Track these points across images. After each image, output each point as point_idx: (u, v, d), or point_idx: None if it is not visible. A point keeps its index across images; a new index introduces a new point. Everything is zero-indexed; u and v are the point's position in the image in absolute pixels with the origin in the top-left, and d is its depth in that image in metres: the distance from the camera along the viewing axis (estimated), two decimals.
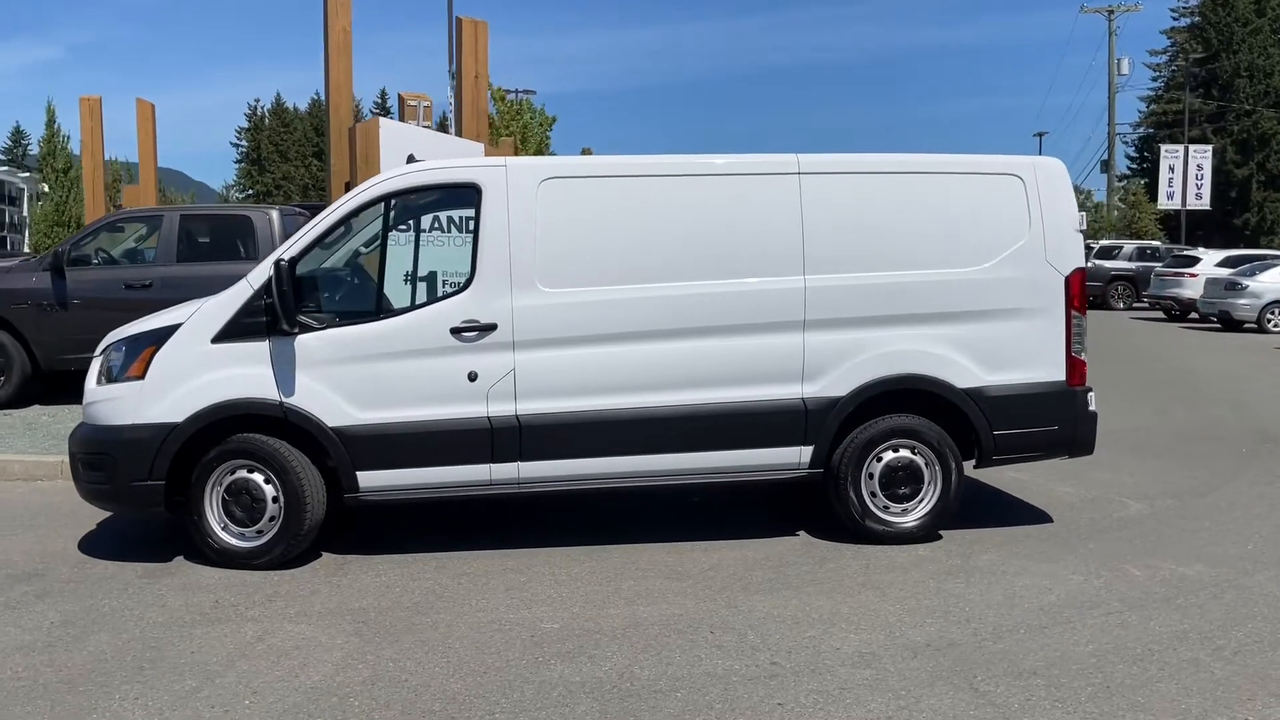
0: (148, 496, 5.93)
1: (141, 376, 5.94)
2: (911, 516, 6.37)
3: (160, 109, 16.93)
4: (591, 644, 4.76)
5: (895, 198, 6.34)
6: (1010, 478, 8.08)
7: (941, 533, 6.50)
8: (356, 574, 5.90)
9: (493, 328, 5.98)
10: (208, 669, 4.53)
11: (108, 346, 6.20)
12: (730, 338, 6.15)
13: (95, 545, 6.48)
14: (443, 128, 15.78)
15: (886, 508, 6.36)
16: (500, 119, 32.13)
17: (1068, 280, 6.40)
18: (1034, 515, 7.04)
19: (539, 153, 32.16)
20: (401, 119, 11.23)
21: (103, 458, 5.98)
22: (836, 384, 6.23)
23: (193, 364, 5.93)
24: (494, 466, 6.07)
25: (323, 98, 10.42)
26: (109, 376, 6.06)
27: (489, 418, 6.00)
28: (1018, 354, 6.39)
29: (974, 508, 7.34)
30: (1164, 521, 6.86)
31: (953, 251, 6.33)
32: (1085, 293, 6.50)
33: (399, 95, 11.24)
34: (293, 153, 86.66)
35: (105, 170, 20.34)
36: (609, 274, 6.10)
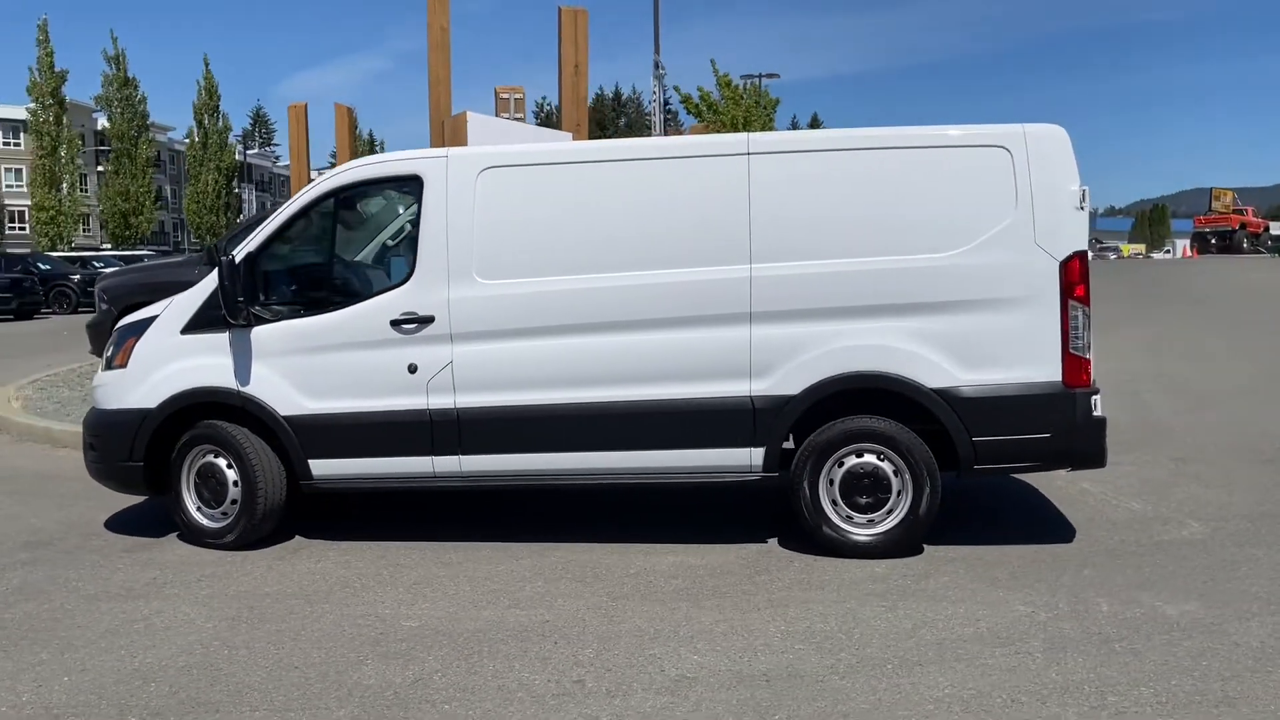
0: (130, 476, 6.38)
1: (125, 365, 6.39)
2: (878, 529, 5.77)
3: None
4: (423, 646, 4.64)
5: (858, 177, 5.73)
6: (1078, 487, 7.20)
7: (925, 546, 5.87)
8: (300, 559, 6.07)
9: (430, 320, 5.96)
10: (72, 643, 4.80)
11: (111, 337, 6.71)
12: (673, 331, 5.81)
13: (121, 518, 7.03)
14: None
15: (850, 518, 5.79)
16: (725, 104, 32.03)
17: (1063, 265, 5.56)
18: (1057, 532, 6.18)
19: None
20: (496, 112, 11.44)
21: (96, 439, 6.48)
22: (787, 381, 5.73)
23: (165, 353, 6.30)
24: (436, 459, 6.06)
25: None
26: (106, 365, 6.56)
27: (429, 410, 5.99)
28: (1001, 350, 5.63)
29: (998, 518, 6.63)
30: (1211, 549, 5.82)
31: (924, 235, 5.65)
32: (1086, 279, 5.61)
33: (495, 89, 11.48)
34: None
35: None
36: (547, 265, 5.91)
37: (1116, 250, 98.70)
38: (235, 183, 59.34)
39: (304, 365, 6.12)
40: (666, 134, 24.43)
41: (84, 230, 59.36)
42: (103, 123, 55.96)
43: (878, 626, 4.77)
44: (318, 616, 5.09)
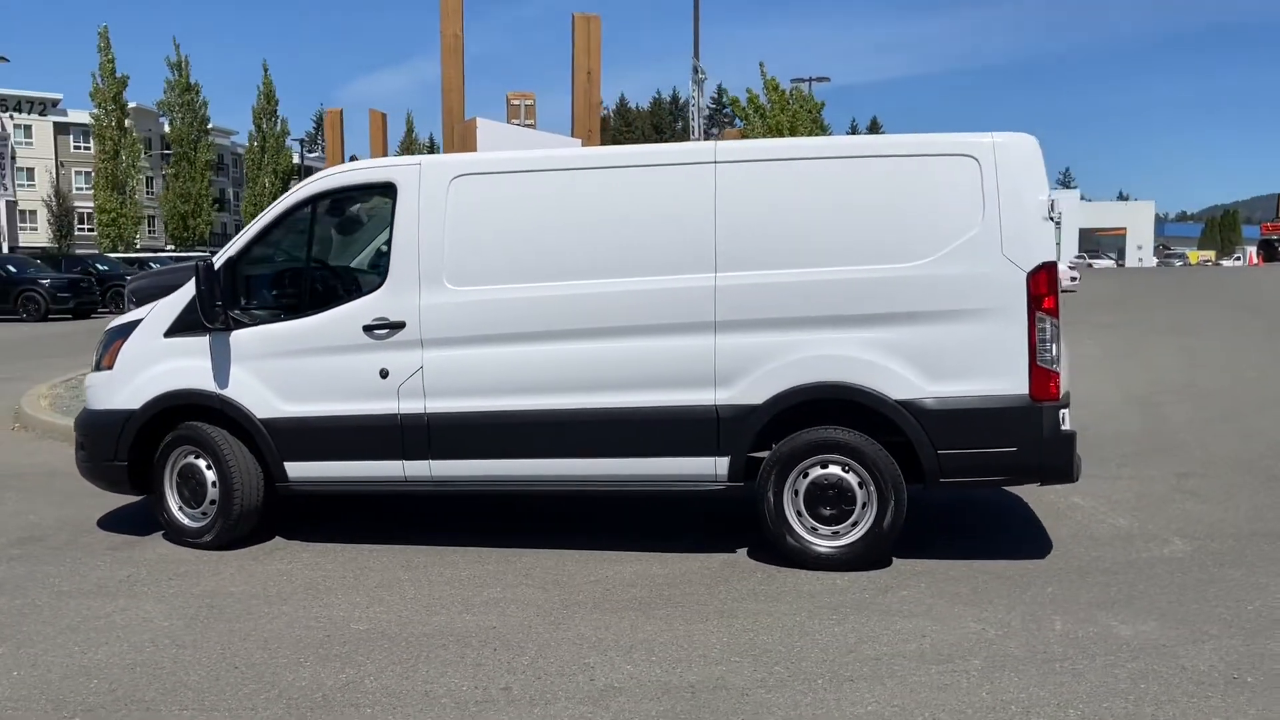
0: (115, 476, 6.53)
1: (111, 367, 6.54)
2: (842, 541, 5.70)
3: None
4: (364, 650, 4.69)
5: (824, 186, 5.67)
6: (1069, 501, 7.07)
7: (895, 559, 5.81)
8: (273, 559, 6.16)
9: (401, 325, 6.02)
10: (31, 638, 4.92)
11: (101, 339, 6.88)
12: (639, 339, 5.80)
13: (114, 516, 7.19)
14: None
15: (814, 529, 5.74)
16: (772, 108, 31.97)
17: (1030, 276, 5.46)
18: (1033, 548, 6.06)
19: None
20: (507, 118, 11.51)
21: (85, 439, 6.64)
22: (752, 391, 5.70)
23: (149, 356, 6.44)
24: (407, 464, 6.12)
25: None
26: (95, 366, 6.72)
27: (399, 415, 6.06)
28: (967, 362, 5.54)
29: (977, 532, 6.53)
30: (1187, 568, 5.67)
31: (889, 245, 5.58)
32: (1055, 291, 5.50)
33: (506, 95, 11.57)
34: None
35: None
36: (516, 272, 5.94)
37: (1183, 257, 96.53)
38: (293, 185, 60.36)
39: (280, 369, 6.21)
40: (710, 138, 24.38)
41: (149, 232, 60.83)
42: (167, 127, 57.41)
43: (821, 640, 4.72)
44: (273, 617, 5.16)
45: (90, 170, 65.32)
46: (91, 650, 4.76)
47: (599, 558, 6.04)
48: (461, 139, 10.20)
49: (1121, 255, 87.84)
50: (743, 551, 6.08)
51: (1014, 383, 5.48)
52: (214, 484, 6.33)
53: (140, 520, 6.94)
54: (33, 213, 76.49)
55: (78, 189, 69.39)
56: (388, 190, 6.14)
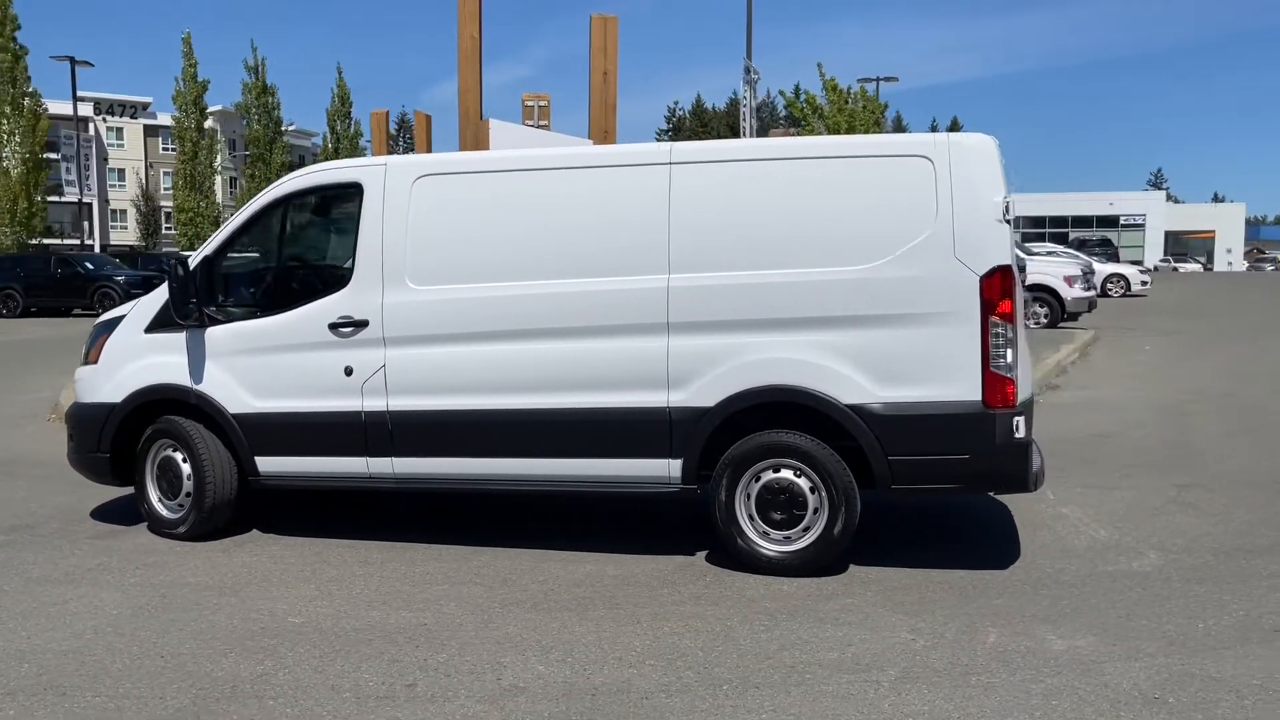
0: (99, 467, 6.74)
1: (96, 361, 6.75)
2: (793, 545, 5.62)
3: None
4: (290, 643, 4.76)
5: (777, 188, 5.61)
6: (1056, 511, 6.90)
7: (853, 565, 5.72)
8: (241, 552, 6.28)
9: (365, 324, 6.10)
10: None
11: (90, 333, 7.09)
12: (593, 340, 5.79)
13: (108, 506, 7.39)
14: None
15: (766, 534, 5.67)
16: (830, 108, 31.67)
17: (984, 280, 5.33)
18: (999, 558, 5.91)
19: None
20: (522, 119, 11.57)
21: (73, 430, 6.86)
22: (704, 393, 5.66)
23: (130, 351, 6.63)
24: (370, 460, 6.20)
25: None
26: (83, 360, 6.94)
27: (363, 412, 6.14)
28: (919, 367, 5.43)
29: (946, 540, 6.41)
30: (1151, 583, 5.47)
31: (843, 247, 5.49)
32: (1011, 295, 5.35)
33: (522, 96, 11.62)
34: None
35: None
36: (476, 271, 5.98)
37: (1276, 261, 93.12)
38: None
39: (252, 365, 6.34)
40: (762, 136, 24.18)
41: None
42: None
43: (743, 646, 4.66)
44: (218, 609, 5.27)
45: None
46: (36, 635, 4.91)
47: (557, 557, 6.05)
48: (475, 140, 10.30)
49: (1210, 259, 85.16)
50: (702, 555, 6.04)
51: (966, 389, 5.35)
52: (189, 477, 6.48)
53: (130, 511, 7.11)
54: (123, 212, 79.31)
55: (165, 189, 71.64)
56: (355, 190, 6.22)
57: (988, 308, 5.31)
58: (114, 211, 79.43)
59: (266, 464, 6.38)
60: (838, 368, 5.46)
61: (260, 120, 51.70)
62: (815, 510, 5.58)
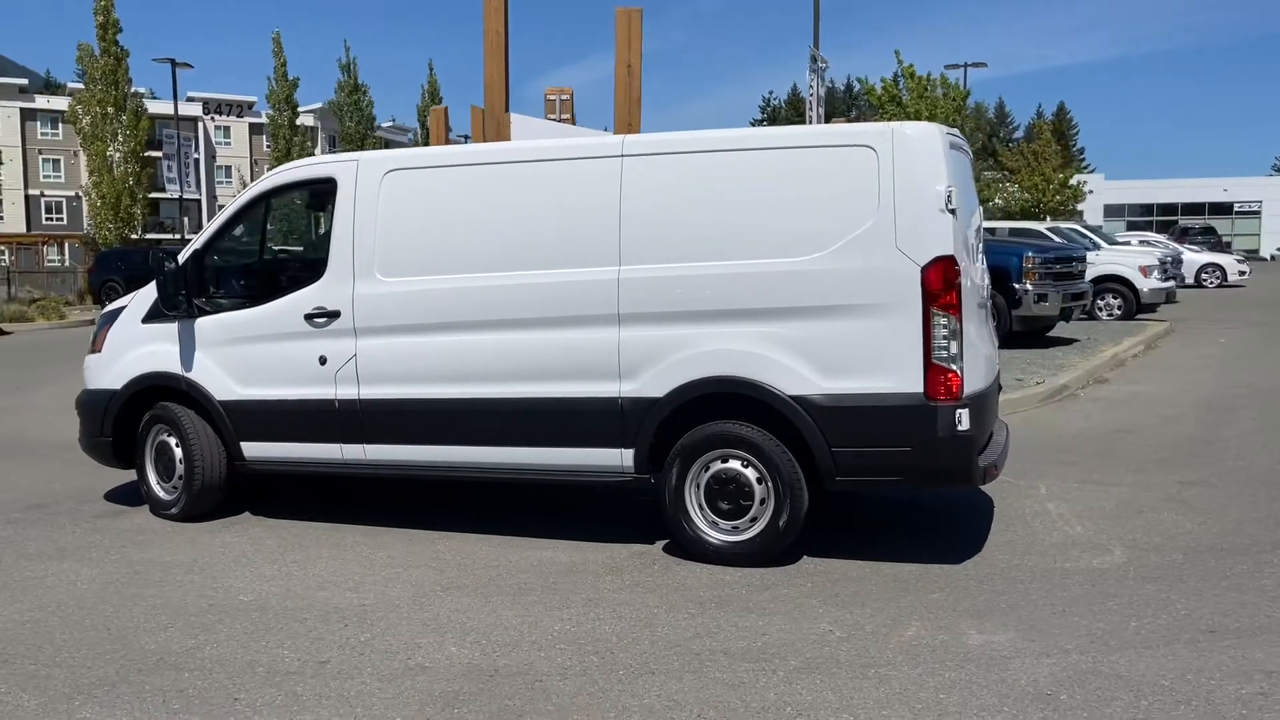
0: (102, 450, 7.11)
1: (100, 350, 7.12)
2: (741, 536, 5.65)
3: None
4: (229, 619, 4.96)
5: (724, 179, 5.62)
6: (1042, 506, 6.78)
7: (805, 556, 5.73)
8: (225, 533, 6.56)
9: (337, 315, 6.31)
10: None
11: (96, 322, 7.46)
12: (550, 330, 5.89)
13: (123, 489, 7.75)
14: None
15: (715, 524, 5.71)
16: (909, 97, 31.10)
17: (925, 271, 5.26)
18: (959, 552, 5.82)
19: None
20: (545, 113, 11.68)
21: (81, 416, 7.25)
22: (654, 384, 5.71)
23: (129, 340, 6.97)
24: (344, 447, 6.41)
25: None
26: (90, 348, 7.31)
27: (336, 400, 6.36)
28: (861, 358, 5.39)
29: (912, 532, 6.37)
30: (1103, 580, 5.33)
31: (788, 238, 5.48)
32: (955, 286, 5.27)
33: (545, 90, 11.72)
34: None
35: None
36: (439, 263, 6.13)
37: None
38: None
39: (236, 354, 6.62)
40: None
41: None
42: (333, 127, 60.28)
43: (659, 633, 4.72)
44: (180, 585, 5.53)
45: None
46: (5, 607, 5.23)
47: (520, 544, 6.17)
48: (497, 134, 10.45)
49: None
50: (661, 544, 6.09)
51: (908, 381, 5.30)
52: (181, 461, 6.79)
53: (138, 494, 7.49)
54: None
55: None
56: (329, 185, 6.43)
57: (929, 298, 5.25)
58: (221, 207, 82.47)
59: (251, 449, 6.65)
60: (782, 359, 5.46)
61: (352, 118, 53.11)
62: (762, 501, 5.59)
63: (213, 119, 79.86)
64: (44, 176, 76.95)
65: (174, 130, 39.46)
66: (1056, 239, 21.23)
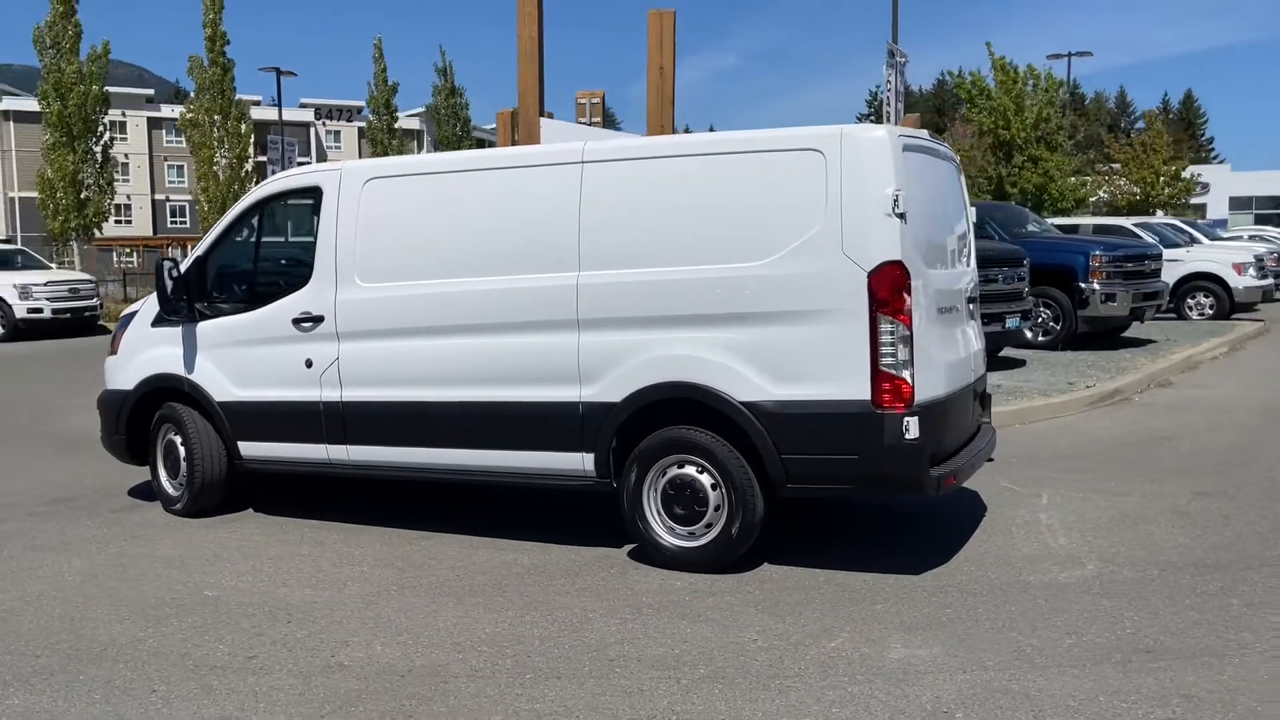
0: (118, 447, 7.47)
1: (116, 352, 7.47)
2: (697, 541, 5.63)
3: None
4: (183, 614, 5.15)
5: (678, 185, 5.61)
6: (1036, 517, 6.59)
7: (768, 564, 5.69)
8: (218, 529, 6.80)
9: (321, 319, 6.50)
10: None
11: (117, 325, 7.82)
12: (515, 335, 5.97)
13: (146, 486, 8.12)
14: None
15: (672, 529, 5.71)
16: (997, 90, 30.24)
17: (871, 276, 5.16)
18: (927, 562, 5.68)
19: (1036, 120, 29.68)
20: (575, 116, 11.74)
21: (100, 414, 7.62)
22: (612, 389, 5.73)
23: (141, 343, 7.30)
24: (329, 447, 6.61)
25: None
26: (110, 350, 7.68)
27: (321, 401, 6.55)
28: (809, 365, 5.31)
29: (881, 541, 6.28)
30: (1061, 595, 5.14)
31: (738, 243, 5.44)
32: (904, 290, 5.15)
33: (576, 94, 11.77)
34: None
35: None
36: (413, 269, 6.26)
37: None
38: None
39: (233, 357, 6.88)
40: (903, 125, 23.43)
41: None
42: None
43: (585, 638, 4.74)
44: (155, 579, 5.77)
45: None
46: None
47: (492, 545, 6.25)
48: (527, 138, 10.59)
49: None
50: (629, 548, 6.11)
51: (854, 388, 5.21)
52: (185, 459, 7.09)
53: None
54: None
55: None
56: (315, 193, 6.64)
57: (876, 304, 5.15)
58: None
59: (247, 448, 6.90)
60: (734, 365, 5.43)
61: (449, 122, 54.19)
62: (717, 507, 5.57)
63: (323, 124, 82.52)
64: (169, 181, 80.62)
65: (278, 136, 40.80)
66: (1144, 235, 20.43)
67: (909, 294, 5.17)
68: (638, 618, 4.99)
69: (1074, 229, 20.93)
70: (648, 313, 5.62)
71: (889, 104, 23.53)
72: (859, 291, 5.17)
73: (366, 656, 4.59)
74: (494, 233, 6.04)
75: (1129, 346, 15.05)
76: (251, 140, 40.91)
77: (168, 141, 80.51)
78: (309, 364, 6.54)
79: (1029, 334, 14.73)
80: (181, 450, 7.10)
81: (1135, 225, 21.65)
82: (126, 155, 71.58)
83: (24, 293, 22.16)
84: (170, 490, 7.25)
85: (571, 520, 6.79)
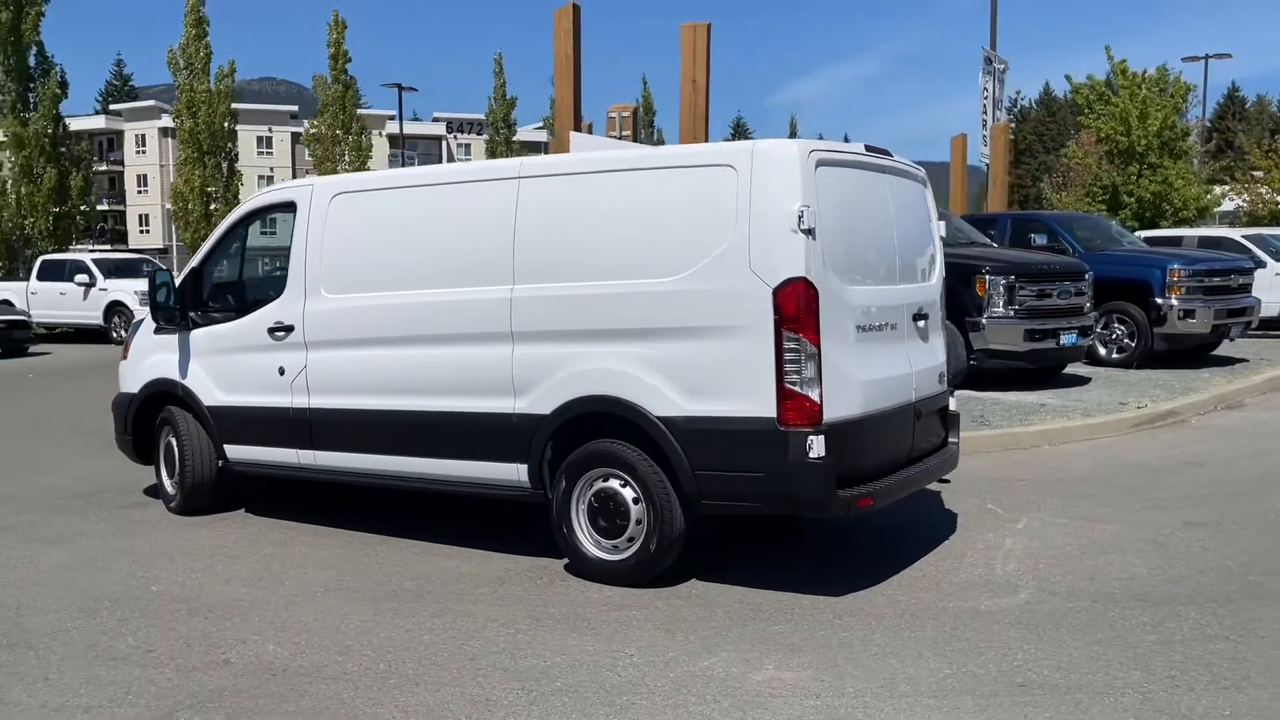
0: (126, 447, 7.92)
1: (126, 357, 7.93)
2: (621, 555, 5.65)
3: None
4: (123, 608, 5.41)
5: (604, 200, 5.65)
6: (995, 541, 6.37)
7: (698, 580, 5.67)
8: (202, 528, 7.13)
9: (291, 329, 6.78)
10: None
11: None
12: (456, 346, 6.11)
13: None
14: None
15: (598, 541, 5.74)
16: (1119, 95, 29.00)
17: (776, 292, 5.09)
18: (857, 583, 5.56)
19: (1160, 127, 28.33)
20: (606, 130, 11.79)
21: (113, 416, 8.09)
22: (542, 401, 5.81)
23: (145, 349, 7.73)
24: (299, 452, 6.87)
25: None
26: (123, 355, 8.14)
27: (291, 408, 6.83)
28: (720, 381, 5.27)
29: (823, 561, 6.18)
30: (977, 624, 4.95)
31: (655, 259, 5.44)
32: (808, 309, 5.05)
33: (608, 109, 11.80)
34: (1052, 142, 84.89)
35: None
36: (369, 281, 6.47)
37: None
38: None
39: (219, 363, 7.22)
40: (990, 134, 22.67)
41: None
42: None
43: (467, 646, 4.81)
44: (114, 572, 6.10)
45: None
46: None
47: (443, 552, 6.39)
48: (558, 150, 10.76)
49: None
50: (565, 561, 6.15)
51: (759, 405, 5.15)
52: (178, 460, 7.46)
53: None
54: None
55: None
56: (291, 208, 6.93)
57: (783, 321, 5.08)
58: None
59: (232, 451, 7.23)
60: (651, 380, 5.43)
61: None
62: (639, 521, 5.57)
63: (455, 137, 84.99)
64: None
65: (399, 150, 42.32)
66: (1255, 249, 19.31)
67: (815, 311, 5.08)
68: (533, 629, 5.04)
69: (1175, 240, 19.94)
70: (573, 326, 5.68)
71: (985, 111, 22.94)
72: (765, 308, 5.11)
73: (255, 655, 4.77)
74: (441, 246, 6.20)
75: (1215, 365, 14.27)
76: (385, 153, 42.62)
77: (309, 155, 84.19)
78: (281, 371, 6.82)
79: (1102, 350, 14.16)
80: (178, 452, 7.47)
81: (1246, 238, 20.48)
82: (271, 169, 75.19)
83: (144, 299, 23.52)
84: (169, 489, 7.64)
85: (537, 530, 6.86)
